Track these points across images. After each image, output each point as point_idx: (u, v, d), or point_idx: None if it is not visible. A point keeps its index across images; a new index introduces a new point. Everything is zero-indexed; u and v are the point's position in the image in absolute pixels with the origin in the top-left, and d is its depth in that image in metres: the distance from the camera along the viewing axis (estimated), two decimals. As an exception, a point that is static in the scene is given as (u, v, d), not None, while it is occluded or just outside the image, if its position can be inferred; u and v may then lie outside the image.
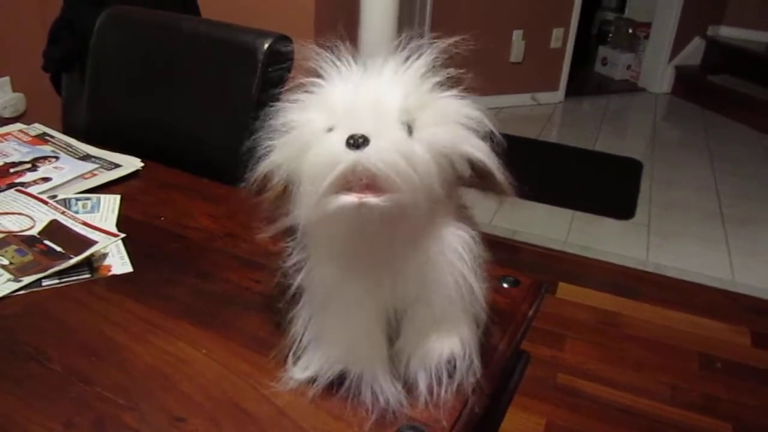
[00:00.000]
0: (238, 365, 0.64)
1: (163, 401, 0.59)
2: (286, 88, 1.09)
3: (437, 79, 0.53)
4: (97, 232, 0.86)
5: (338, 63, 0.53)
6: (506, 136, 0.51)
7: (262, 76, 1.11)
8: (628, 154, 3.27)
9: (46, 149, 1.09)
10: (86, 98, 1.31)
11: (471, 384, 0.59)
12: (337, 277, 0.54)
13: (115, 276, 0.78)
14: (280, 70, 1.09)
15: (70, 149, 1.09)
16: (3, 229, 0.85)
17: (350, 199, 0.47)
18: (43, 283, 0.75)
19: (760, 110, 3.67)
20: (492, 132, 0.53)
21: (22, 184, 0.97)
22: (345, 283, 0.54)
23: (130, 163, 1.05)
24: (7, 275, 0.76)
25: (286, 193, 0.54)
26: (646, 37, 4.20)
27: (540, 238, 2.46)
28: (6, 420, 0.57)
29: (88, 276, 0.78)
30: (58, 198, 0.94)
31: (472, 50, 0.53)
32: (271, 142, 0.54)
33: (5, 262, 0.78)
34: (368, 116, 0.49)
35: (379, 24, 2.35)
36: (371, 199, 0.47)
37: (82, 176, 1.01)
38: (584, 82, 4.35)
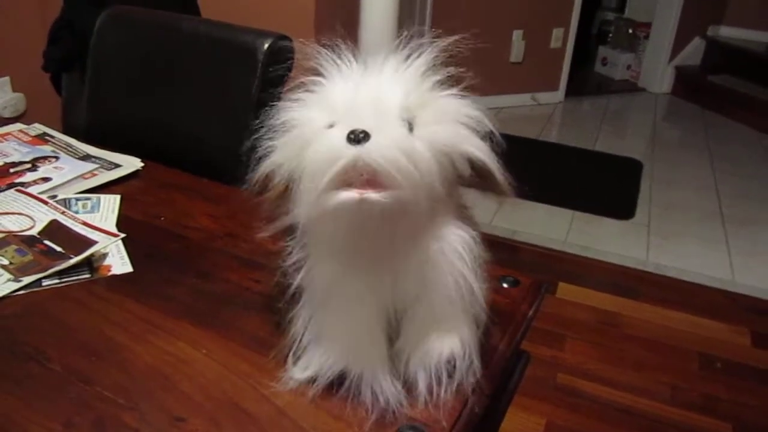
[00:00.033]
0: (238, 365, 0.64)
1: (163, 401, 0.59)
2: (286, 87, 1.09)
3: (438, 77, 0.53)
4: (97, 232, 0.86)
5: (339, 61, 0.53)
6: (506, 136, 0.51)
7: (262, 75, 1.11)
8: (628, 154, 3.27)
9: (46, 149, 1.09)
10: (86, 98, 1.31)
11: (471, 384, 0.59)
12: (337, 273, 0.54)
13: (115, 276, 0.78)
14: (280, 70, 1.09)
15: (70, 149, 1.09)
16: (3, 229, 0.85)
17: (351, 194, 0.47)
18: (43, 283, 0.75)
19: (760, 110, 3.67)
20: (491, 132, 0.53)
21: (22, 184, 0.97)
22: (345, 279, 0.54)
23: (130, 163, 1.05)
24: (7, 275, 0.76)
25: (287, 192, 0.54)
26: (646, 37, 4.20)
27: (540, 238, 2.46)
28: (6, 420, 0.57)
29: (88, 276, 0.78)
30: (58, 198, 0.94)
31: (472, 50, 0.53)
32: (271, 142, 0.54)
33: (5, 262, 0.78)
34: (369, 113, 0.49)
35: (379, 23, 2.35)
36: (372, 195, 0.47)
37: (82, 176, 1.01)
38: (584, 82, 4.35)
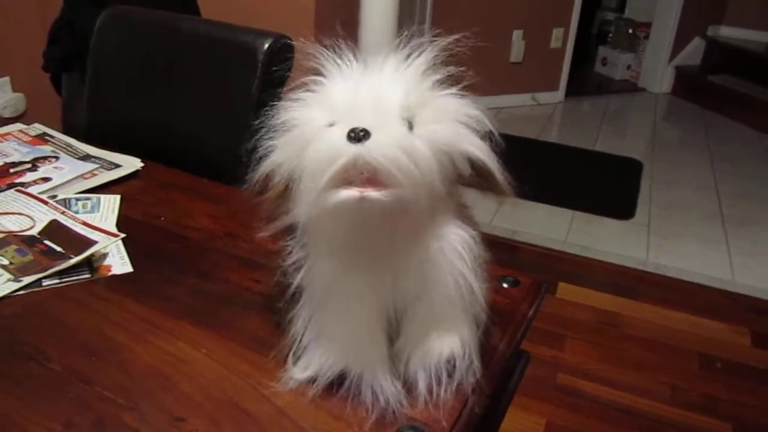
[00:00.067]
0: (238, 365, 0.64)
1: (163, 401, 0.59)
2: (286, 87, 1.09)
3: (438, 77, 0.53)
4: (97, 232, 0.86)
5: (339, 61, 0.53)
6: (506, 136, 0.51)
7: (262, 75, 1.11)
8: (628, 154, 3.27)
9: (46, 149, 1.09)
10: (86, 98, 1.31)
11: (471, 384, 0.59)
12: (337, 272, 0.54)
13: (115, 276, 0.78)
14: (280, 70, 1.09)
15: (70, 149, 1.09)
16: (3, 229, 0.85)
17: (351, 193, 0.47)
18: (43, 283, 0.75)
19: (760, 110, 3.67)
20: (491, 132, 0.53)
21: (22, 184, 0.97)
22: (346, 277, 0.54)
23: (130, 163, 1.05)
24: (7, 275, 0.76)
25: (287, 191, 0.54)
26: (646, 37, 4.20)
27: (540, 238, 2.46)
28: (6, 420, 0.57)
29: (88, 276, 0.78)
30: (58, 198, 0.94)
31: (472, 50, 0.53)
32: (271, 142, 0.54)
33: (5, 262, 0.78)
34: (369, 112, 0.49)
35: (379, 23, 2.35)
36: (372, 193, 0.47)
37: (82, 176, 1.01)
38: (584, 82, 4.35)
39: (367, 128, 0.47)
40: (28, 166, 1.03)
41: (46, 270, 0.77)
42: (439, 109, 0.52)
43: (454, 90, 0.53)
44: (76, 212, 0.91)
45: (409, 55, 0.53)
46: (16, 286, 0.74)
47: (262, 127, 0.55)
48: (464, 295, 0.55)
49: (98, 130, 1.28)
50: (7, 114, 2.43)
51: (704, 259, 2.38)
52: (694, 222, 2.66)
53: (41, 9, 2.40)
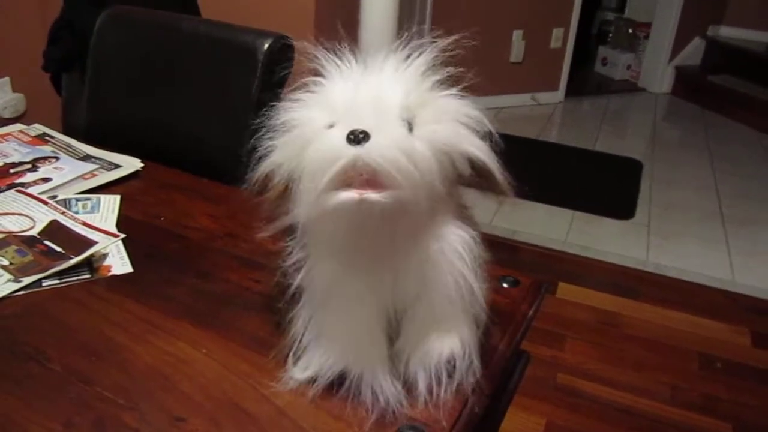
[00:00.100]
0: (238, 365, 0.64)
1: (163, 401, 0.59)
2: (286, 87, 1.09)
3: (438, 77, 0.53)
4: (97, 233, 0.86)
5: (339, 61, 0.53)
6: (506, 136, 0.51)
7: (262, 76, 1.11)
8: (628, 154, 3.27)
9: (46, 149, 1.09)
10: (86, 98, 1.31)
11: (471, 384, 0.59)
12: (337, 273, 0.54)
13: (115, 276, 0.78)
14: (280, 70, 1.09)
15: (70, 149, 1.09)
16: (3, 230, 0.85)
17: (351, 195, 0.47)
18: (43, 284, 0.75)
19: (760, 110, 3.67)
20: (491, 132, 0.53)
21: (22, 184, 0.97)
22: (345, 278, 0.54)
23: (130, 164, 1.05)
24: (7, 275, 0.76)
25: (287, 192, 0.54)
26: (646, 37, 4.20)
27: (540, 238, 2.46)
28: (6, 420, 0.57)
29: (88, 276, 0.78)
30: (58, 198, 0.94)
31: (472, 50, 0.53)
32: (271, 142, 0.54)
33: (5, 262, 0.78)
34: (369, 113, 0.49)
35: (379, 24, 2.35)
36: (372, 195, 0.47)
37: (82, 176, 1.01)
38: (584, 82, 4.35)
39: (367, 129, 0.47)
40: (28, 166, 1.03)
41: (46, 270, 0.77)
42: (438, 110, 0.52)
43: (454, 90, 0.53)
44: (76, 212, 0.91)
45: (409, 56, 0.53)
46: (16, 286, 0.74)
47: (262, 128, 0.55)
48: (464, 295, 0.55)
49: (98, 130, 1.28)
50: (7, 114, 2.43)
51: (704, 259, 2.38)
52: (694, 222, 2.66)
53: (41, 9, 2.40)
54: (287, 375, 0.60)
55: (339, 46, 0.54)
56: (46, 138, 1.13)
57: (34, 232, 0.85)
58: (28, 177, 1.00)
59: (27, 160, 1.05)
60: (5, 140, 1.11)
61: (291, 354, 0.60)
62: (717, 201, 2.83)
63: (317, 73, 0.54)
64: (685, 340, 1.95)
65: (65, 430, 0.56)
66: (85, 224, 0.87)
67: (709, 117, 3.85)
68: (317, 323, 0.58)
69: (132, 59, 1.27)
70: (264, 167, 0.55)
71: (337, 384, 0.58)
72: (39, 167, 1.03)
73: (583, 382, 1.75)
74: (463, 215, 0.57)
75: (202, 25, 1.22)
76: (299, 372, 0.60)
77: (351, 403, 0.58)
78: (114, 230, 0.87)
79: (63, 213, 0.89)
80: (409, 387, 0.59)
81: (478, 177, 0.53)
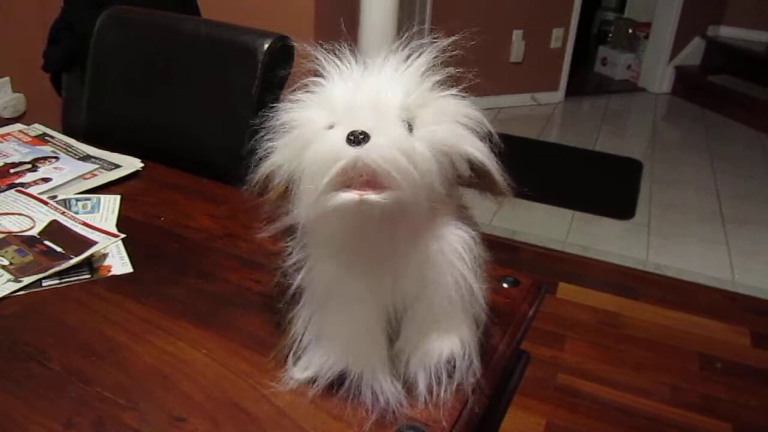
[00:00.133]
0: (238, 365, 0.64)
1: (163, 401, 0.59)
2: (286, 88, 1.09)
3: (437, 77, 0.53)
4: (97, 233, 0.86)
5: (338, 62, 0.53)
6: (506, 137, 0.51)
7: (262, 76, 1.11)
8: (628, 154, 3.27)
9: (46, 150, 1.09)
10: (86, 98, 1.31)
11: (471, 384, 0.59)
12: (337, 274, 0.54)
13: (115, 276, 0.78)
14: (280, 71, 1.09)
15: (70, 150, 1.09)
16: (3, 230, 0.85)
17: (350, 195, 0.47)
18: (43, 284, 0.75)
19: (761, 110, 3.67)
20: (491, 133, 0.53)
21: (22, 184, 0.97)
22: (345, 279, 0.54)
23: (130, 164, 1.05)
24: (7, 275, 0.76)
25: (287, 193, 0.54)
26: (646, 37, 4.20)
27: (540, 238, 2.46)
28: (6, 420, 0.57)
29: (88, 276, 0.78)
30: (58, 198, 0.94)
31: (472, 50, 0.53)
32: (271, 143, 0.55)
33: (5, 262, 0.78)
34: (369, 113, 0.49)
35: (379, 24, 2.35)
36: (371, 195, 0.47)
37: (82, 177, 1.01)
38: (584, 82, 4.36)
39: (367, 130, 0.47)
40: (28, 166, 1.03)
41: (46, 270, 0.77)
42: (438, 110, 0.52)
43: (453, 91, 0.53)
44: (76, 212, 0.91)
45: (408, 56, 0.53)
46: (16, 286, 0.74)
47: (261, 128, 0.55)
48: (464, 295, 0.55)
49: (98, 130, 1.28)
50: (7, 114, 2.43)
51: (704, 259, 2.38)
52: (694, 222, 2.66)
53: (41, 9, 2.40)
54: (287, 375, 0.60)
55: (339, 47, 0.54)
56: (46, 138, 1.13)
57: (34, 232, 0.85)
58: (28, 177, 1.00)
59: (27, 160, 1.05)
60: (5, 140, 1.11)
61: (291, 354, 0.60)
62: (717, 201, 2.84)
63: (317, 74, 0.54)
64: (685, 340, 1.95)
65: (65, 430, 0.56)
66: (85, 224, 0.87)
67: (709, 117, 3.85)
68: (317, 323, 0.58)
69: (132, 59, 1.27)
70: (264, 168, 0.55)
71: (337, 384, 0.59)
72: (39, 167, 1.03)
73: (583, 382, 1.75)
74: (463, 215, 0.57)
75: (202, 26, 1.22)
76: (299, 372, 0.60)
77: (351, 403, 0.58)
78: (114, 230, 0.87)
79: (63, 213, 0.89)
80: (409, 387, 0.59)
81: (477, 177, 0.53)
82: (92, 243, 0.83)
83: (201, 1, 2.00)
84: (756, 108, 3.69)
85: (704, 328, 2.01)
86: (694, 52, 4.16)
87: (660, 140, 3.53)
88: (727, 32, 4.19)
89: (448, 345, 0.58)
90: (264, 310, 0.71)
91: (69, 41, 1.81)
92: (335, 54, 0.54)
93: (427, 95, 0.52)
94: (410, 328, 0.57)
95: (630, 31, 4.35)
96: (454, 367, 0.58)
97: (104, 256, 0.81)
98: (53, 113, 1.90)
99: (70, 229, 0.86)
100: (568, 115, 3.84)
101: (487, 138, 0.53)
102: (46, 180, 0.99)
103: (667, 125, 3.81)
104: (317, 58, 0.54)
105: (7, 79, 2.47)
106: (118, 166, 1.04)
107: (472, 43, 0.53)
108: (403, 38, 0.53)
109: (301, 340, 0.59)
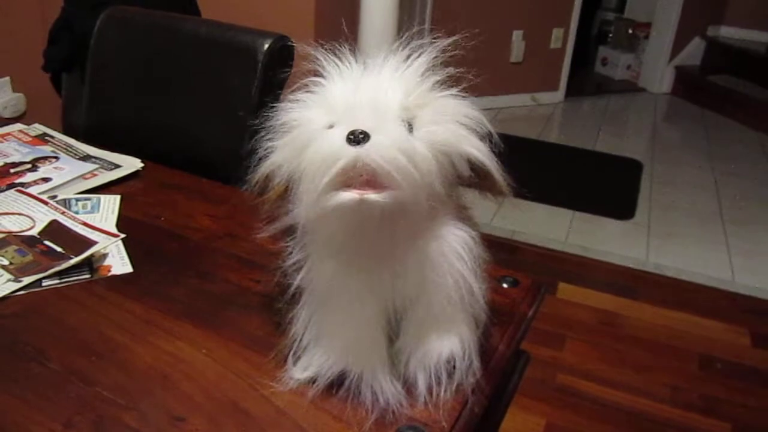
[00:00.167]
0: (238, 365, 0.64)
1: (163, 401, 0.59)
2: (286, 88, 1.09)
3: (437, 78, 0.53)
4: (97, 233, 0.86)
5: (338, 62, 0.53)
6: (506, 137, 0.51)
7: (262, 76, 1.11)
8: (628, 154, 3.27)
9: (46, 149, 1.09)
10: (86, 98, 1.31)
11: (470, 384, 0.59)
12: (337, 273, 0.54)
13: (115, 276, 0.78)
14: (280, 71, 1.09)
15: (70, 149, 1.09)
16: (3, 230, 0.85)
17: (350, 195, 0.47)
18: (43, 284, 0.75)
19: (761, 111, 3.67)
20: (490, 133, 0.53)
21: (22, 184, 0.97)
22: (345, 279, 0.54)
23: (130, 164, 1.05)
24: (7, 275, 0.76)
25: (286, 192, 0.54)
26: (646, 37, 4.20)
27: (540, 239, 2.46)
28: (6, 420, 0.57)
29: (88, 276, 0.78)
30: (58, 198, 0.94)
31: (472, 50, 0.53)
32: (271, 143, 0.55)
33: (5, 262, 0.78)
34: (368, 113, 0.49)
35: (379, 24, 2.35)
36: (371, 195, 0.47)
37: (82, 176, 1.01)
38: (584, 82, 4.35)
39: (367, 130, 0.47)
40: (28, 166, 1.03)
41: (46, 270, 0.77)
42: (438, 110, 0.52)
43: (453, 91, 0.53)
44: (76, 212, 0.91)
45: (408, 56, 0.53)
46: (16, 286, 0.74)
47: (261, 128, 0.55)
48: (464, 295, 0.55)
49: (98, 130, 1.28)
50: (7, 114, 2.43)
51: (704, 260, 2.38)
52: (694, 222, 2.66)
53: (41, 9, 2.40)
54: (287, 375, 0.60)
55: (339, 47, 0.54)
56: (46, 138, 1.13)
57: (34, 232, 0.85)
58: (28, 177, 1.00)
59: (27, 160, 1.05)
60: (5, 140, 1.11)
61: (291, 354, 0.60)
62: (717, 201, 2.84)
63: (317, 74, 0.54)
64: (685, 340, 1.95)
65: (65, 430, 0.56)
66: (85, 224, 0.87)
67: (709, 117, 3.85)
68: (317, 323, 0.58)
69: (132, 59, 1.27)
70: (264, 168, 0.55)
71: (337, 384, 0.59)
72: (39, 167, 1.03)
73: (582, 383, 1.75)
74: (463, 216, 0.57)
75: (202, 26, 1.22)
76: (299, 372, 0.60)
77: (351, 404, 0.58)
78: (114, 230, 0.87)
79: (63, 213, 0.89)
80: (408, 387, 0.59)
81: (477, 177, 0.53)
82: (92, 243, 0.83)
83: (201, 1, 2.00)
84: (756, 108, 3.69)
85: (704, 329, 2.01)
86: (694, 52, 4.16)
87: (660, 140, 3.53)
88: (727, 32, 4.19)
89: (447, 345, 0.58)
90: (264, 310, 0.71)
91: (69, 41, 1.81)
92: (335, 54, 0.54)
93: (427, 95, 0.52)
94: (410, 328, 0.57)
95: (630, 31, 4.35)
96: (454, 367, 0.58)
97: (104, 256, 0.81)
98: (53, 113, 1.90)
99: (70, 229, 0.86)
100: (568, 116, 3.84)
101: (487, 138, 0.53)
102: (46, 180, 0.99)
103: (667, 125, 3.81)
104: (317, 58, 0.54)
105: (7, 79, 2.47)
106: (118, 166, 1.04)
107: (472, 43, 0.53)
108: (403, 38, 0.53)
109: (301, 340, 0.59)
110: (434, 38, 0.54)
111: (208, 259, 0.83)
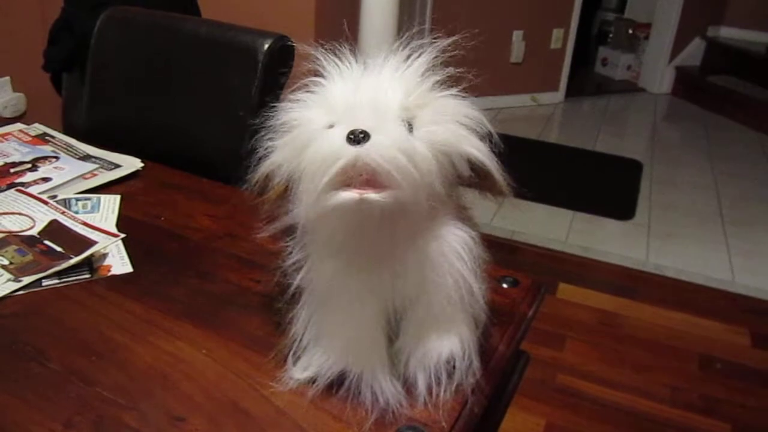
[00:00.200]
0: (238, 365, 0.64)
1: (163, 401, 0.59)
2: (286, 88, 1.09)
3: (438, 78, 0.53)
4: (97, 232, 0.86)
5: (338, 62, 0.53)
6: (506, 137, 0.51)
7: (262, 76, 1.11)
8: (628, 154, 3.27)
9: (46, 149, 1.09)
10: (86, 98, 1.31)
11: (470, 384, 0.59)
12: (337, 273, 0.54)
13: (115, 276, 0.78)
14: (280, 71, 1.09)
15: (70, 149, 1.09)
16: (3, 229, 0.85)
17: (350, 194, 0.47)
18: (43, 283, 0.75)
19: (761, 111, 3.67)
20: (490, 133, 0.53)
21: (22, 184, 0.97)
22: (345, 278, 0.54)
23: (130, 163, 1.05)
24: (7, 275, 0.76)
25: (286, 192, 0.54)
26: (646, 37, 4.20)
27: (540, 239, 2.46)
28: (6, 420, 0.57)
29: (88, 276, 0.78)
30: (58, 198, 0.94)
31: (472, 50, 0.53)
32: (271, 143, 0.55)
33: (5, 262, 0.78)
34: (369, 113, 0.49)
35: (379, 24, 2.35)
36: (371, 194, 0.47)
37: (82, 176, 1.01)
38: (584, 82, 4.36)
39: (367, 129, 0.47)
40: (29, 166, 1.03)
41: (46, 270, 0.77)
42: (438, 110, 0.52)
43: (454, 91, 0.53)
44: (76, 212, 0.91)
45: (409, 56, 0.53)
46: (16, 286, 0.74)
47: (261, 128, 0.55)
48: (464, 295, 0.55)
49: (98, 130, 1.28)
50: (7, 114, 2.43)
51: (704, 260, 2.38)
52: (694, 222, 2.66)
53: (41, 9, 2.40)
54: (287, 375, 0.60)
55: (339, 47, 0.54)
56: (47, 138, 1.13)
57: (34, 232, 0.85)
58: (28, 177, 1.00)
59: (27, 159, 1.05)
60: (5, 140, 1.11)
61: (291, 354, 0.60)
62: (717, 201, 2.84)
63: (317, 74, 0.54)
64: (684, 340, 1.95)
65: (65, 430, 0.56)
66: (85, 224, 0.87)
67: (709, 117, 3.85)
68: (317, 323, 0.58)
69: (132, 59, 1.27)
70: (264, 168, 0.55)
71: (337, 384, 0.59)
72: (39, 167, 1.03)
73: (582, 383, 1.75)
74: (463, 216, 0.57)
75: (202, 26, 1.22)
76: (299, 372, 0.60)
77: (351, 404, 0.58)
78: (114, 230, 0.87)
79: (63, 213, 0.89)
80: (408, 387, 0.59)
81: (477, 177, 0.53)
82: (92, 243, 0.83)
83: (201, 1, 2.00)
84: (756, 108, 3.69)
85: (704, 329, 2.01)
86: (694, 52, 4.16)
87: (660, 140, 3.53)
88: (727, 33, 4.19)
89: (447, 345, 0.58)
90: (264, 310, 0.71)
91: (69, 41, 1.81)
92: (335, 54, 0.54)
93: (427, 95, 0.52)
94: (410, 328, 0.57)
95: (630, 31, 4.36)
96: (454, 367, 0.58)
97: (104, 255, 0.81)
98: (53, 113, 1.90)
99: (70, 229, 0.86)
100: (568, 116, 3.84)
101: (487, 138, 0.53)
102: (46, 180, 0.99)
103: (667, 125, 3.81)
104: (317, 58, 0.54)
105: (7, 78, 2.47)
106: (118, 166, 1.04)
107: (472, 43, 0.53)
108: (403, 38, 0.53)
109: (300, 340, 0.59)
110: (434, 38, 0.54)
111: (208, 259, 0.83)
